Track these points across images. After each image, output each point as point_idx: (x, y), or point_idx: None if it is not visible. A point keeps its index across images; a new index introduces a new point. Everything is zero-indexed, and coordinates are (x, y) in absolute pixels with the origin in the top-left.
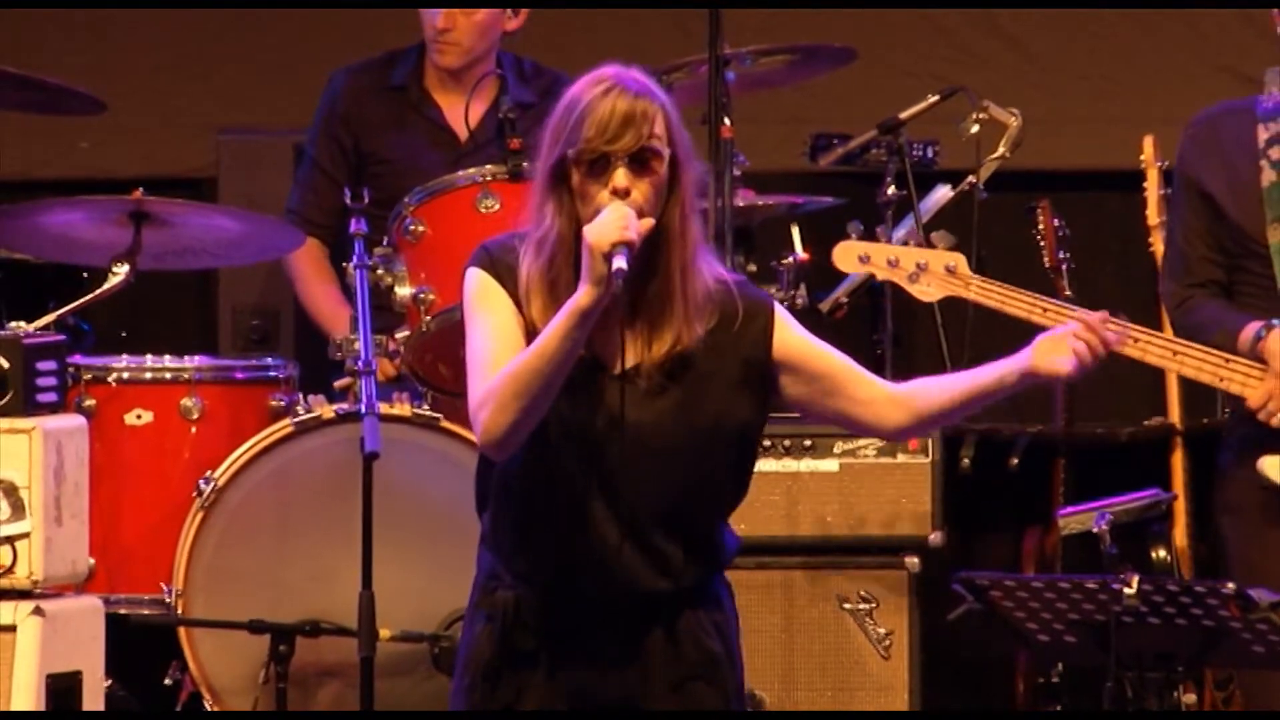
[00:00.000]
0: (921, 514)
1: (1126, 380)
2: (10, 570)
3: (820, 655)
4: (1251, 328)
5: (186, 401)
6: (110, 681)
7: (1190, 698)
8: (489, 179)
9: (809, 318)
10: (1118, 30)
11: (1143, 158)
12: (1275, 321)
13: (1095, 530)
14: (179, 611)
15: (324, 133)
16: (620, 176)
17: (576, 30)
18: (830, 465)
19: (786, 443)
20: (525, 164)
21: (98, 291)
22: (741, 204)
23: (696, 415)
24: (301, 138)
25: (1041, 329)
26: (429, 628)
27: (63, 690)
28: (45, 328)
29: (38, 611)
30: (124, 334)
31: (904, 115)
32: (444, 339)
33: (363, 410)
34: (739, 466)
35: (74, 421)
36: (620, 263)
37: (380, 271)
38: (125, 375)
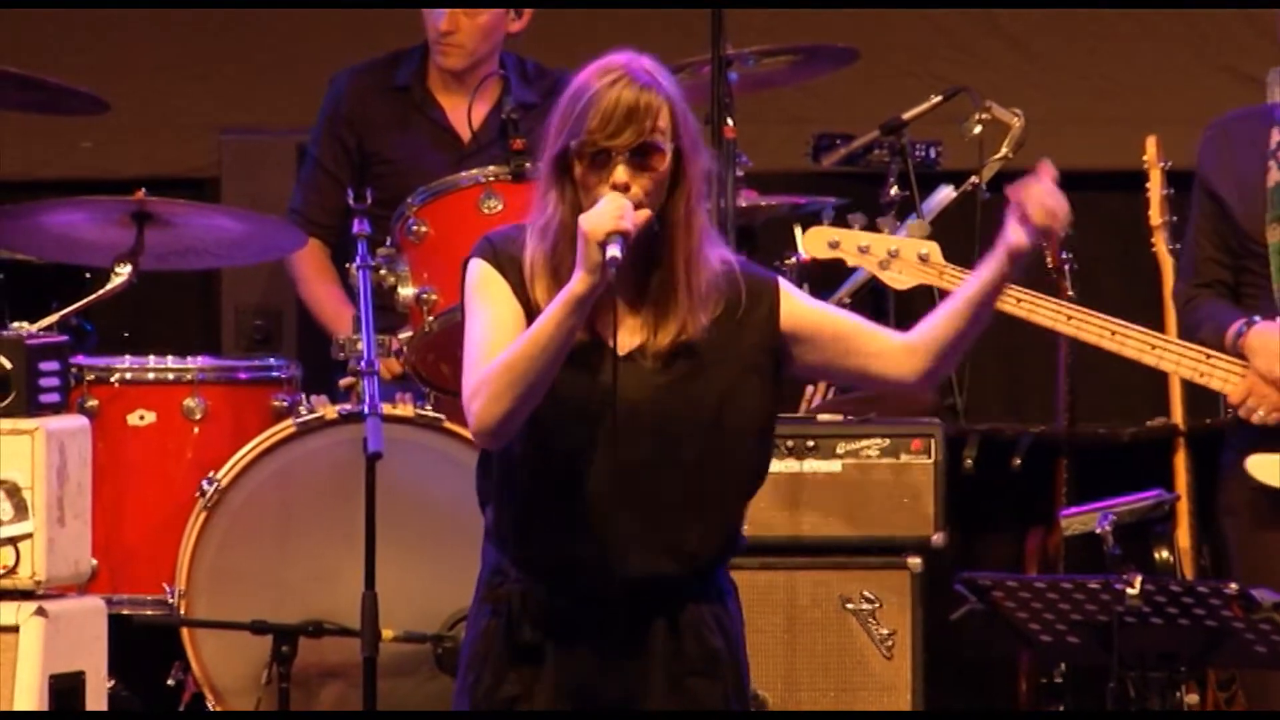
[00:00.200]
0: (924, 514)
1: (1129, 381)
2: (13, 571)
3: (823, 655)
4: (1234, 324)
5: (189, 402)
6: (113, 682)
7: (1193, 698)
8: (492, 180)
9: None
10: (1118, 30)
11: (1145, 158)
12: (1256, 319)
13: (1098, 531)
14: (182, 612)
15: (327, 133)
16: (620, 172)
17: (579, 31)
18: (833, 466)
19: (789, 443)
20: (528, 165)
21: (100, 292)
22: (744, 204)
23: (702, 399)
24: (304, 138)
25: (1015, 319)
26: (432, 628)
27: (65, 691)
28: (48, 328)
29: (40, 612)
30: (126, 334)
31: (907, 115)
32: (446, 339)
33: (365, 411)
34: (751, 451)
35: (77, 422)
36: (614, 251)
37: (383, 272)
38: (128, 376)
